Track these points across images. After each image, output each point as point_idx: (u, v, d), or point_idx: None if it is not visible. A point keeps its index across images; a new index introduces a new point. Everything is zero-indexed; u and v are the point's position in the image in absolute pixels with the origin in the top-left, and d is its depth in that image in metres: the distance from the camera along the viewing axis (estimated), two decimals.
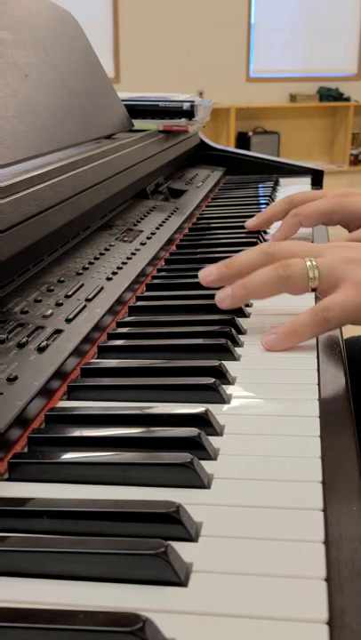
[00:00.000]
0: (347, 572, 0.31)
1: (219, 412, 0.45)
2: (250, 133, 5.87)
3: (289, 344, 0.54)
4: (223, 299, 0.59)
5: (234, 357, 0.53)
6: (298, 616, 0.28)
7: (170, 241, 0.86)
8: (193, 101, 1.21)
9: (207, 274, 0.61)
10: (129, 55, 5.56)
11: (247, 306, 0.65)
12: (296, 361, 0.53)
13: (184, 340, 0.56)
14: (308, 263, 0.56)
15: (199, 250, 0.86)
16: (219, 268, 0.61)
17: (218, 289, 0.60)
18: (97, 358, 0.55)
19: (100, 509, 0.34)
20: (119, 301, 0.63)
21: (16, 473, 0.39)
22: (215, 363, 0.50)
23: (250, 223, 0.89)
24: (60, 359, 0.48)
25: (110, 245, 0.77)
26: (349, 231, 0.79)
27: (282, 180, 1.34)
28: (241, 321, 0.60)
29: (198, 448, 0.39)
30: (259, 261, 0.58)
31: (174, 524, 0.33)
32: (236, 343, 0.56)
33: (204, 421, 0.42)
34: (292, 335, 0.54)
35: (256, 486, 0.37)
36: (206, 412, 0.43)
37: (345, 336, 0.64)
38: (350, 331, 0.85)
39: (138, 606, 0.29)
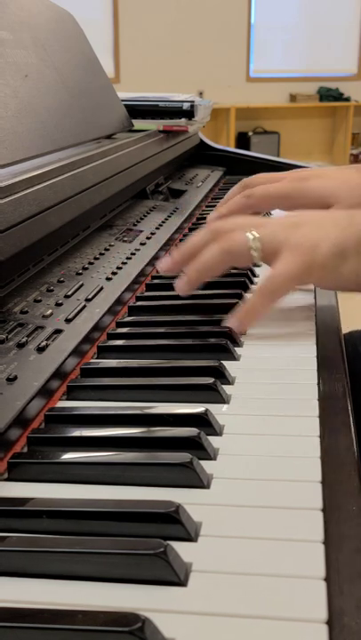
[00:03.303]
0: (346, 572, 0.31)
1: (219, 412, 0.45)
2: (250, 133, 5.86)
3: (250, 324, 0.58)
4: (182, 286, 0.61)
5: (234, 357, 0.53)
6: (297, 616, 0.28)
7: (170, 241, 0.86)
8: (193, 101, 1.21)
9: (163, 263, 0.64)
10: (129, 55, 5.56)
11: None
12: (296, 361, 0.53)
13: (184, 340, 0.56)
14: (250, 235, 0.58)
15: None
16: (172, 255, 0.63)
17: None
18: (97, 358, 0.55)
19: (100, 509, 0.34)
20: (119, 301, 0.63)
21: (16, 473, 0.39)
22: (215, 363, 0.50)
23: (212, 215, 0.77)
24: (59, 359, 0.48)
25: (110, 245, 0.77)
26: None
27: None
28: None
29: (198, 448, 0.39)
30: (205, 241, 0.60)
31: (174, 523, 0.33)
32: (236, 343, 0.56)
33: (203, 421, 0.42)
34: (249, 316, 0.58)
35: (256, 486, 0.37)
36: (206, 412, 0.43)
37: (344, 331, 0.64)
38: (350, 325, 0.85)
39: (137, 606, 0.29)
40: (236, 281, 0.69)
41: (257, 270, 0.74)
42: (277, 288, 0.57)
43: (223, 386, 0.48)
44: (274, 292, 0.57)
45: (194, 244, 0.62)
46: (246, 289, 0.68)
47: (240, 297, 0.64)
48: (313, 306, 0.64)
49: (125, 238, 0.81)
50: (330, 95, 6.01)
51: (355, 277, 0.56)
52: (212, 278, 0.62)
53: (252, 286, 0.70)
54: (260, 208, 0.73)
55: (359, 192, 0.72)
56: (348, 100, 6.02)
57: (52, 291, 0.61)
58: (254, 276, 0.74)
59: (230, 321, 0.58)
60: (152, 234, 0.84)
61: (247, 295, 0.66)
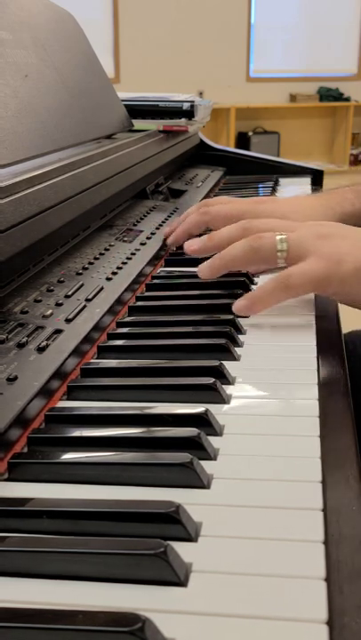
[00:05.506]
0: (346, 572, 0.31)
1: (219, 412, 0.45)
2: (250, 133, 5.86)
3: (257, 310, 0.59)
4: (203, 269, 0.64)
5: (234, 357, 0.53)
6: (298, 616, 0.28)
7: None
8: (193, 101, 1.21)
9: (191, 243, 0.68)
10: (129, 55, 5.56)
11: None
12: (296, 361, 0.53)
13: (184, 339, 0.56)
14: (279, 237, 0.60)
15: None
16: (202, 239, 0.68)
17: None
18: (97, 358, 0.54)
19: (100, 509, 0.34)
20: (119, 301, 0.63)
21: (16, 473, 0.39)
22: (215, 363, 0.50)
23: (169, 240, 0.82)
24: (59, 359, 0.48)
25: (110, 245, 0.77)
26: None
27: (282, 180, 1.34)
28: (241, 321, 0.60)
29: (198, 448, 0.39)
30: (236, 235, 0.64)
31: (174, 523, 0.33)
32: (236, 343, 0.56)
33: (203, 421, 0.42)
34: (259, 302, 0.59)
35: (256, 486, 0.37)
36: (206, 412, 0.43)
37: (344, 331, 0.64)
38: (350, 325, 0.85)
39: (137, 606, 0.29)
40: (236, 281, 0.69)
41: None
42: (295, 284, 0.57)
43: (223, 386, 0.48)
44: (290, 286, 0.57)
45: (224, 236, 0.65)
46: (247, 289, 0.68)
47: (240, 297, 0.64)
48: (313, 306, 0.64)
49: (125, 238, 0.81)
50: (330, 95, 6.02)
51: None
52: (237, 269, 0.66)
53: (253, 287, 0.70)
54: (214, 225, 0.75)
55: (309, 212, 0.77)
56: (348, 100, 6.03)
57: (52, 291, 0.61)
58: (254, 275, 0.74)
59: (239, 304, 0.59)
60: (152, 234, 0.84)
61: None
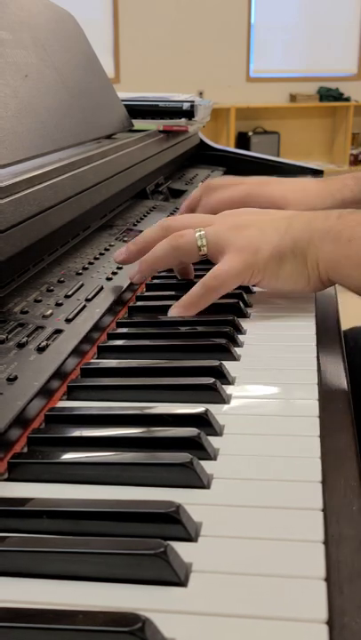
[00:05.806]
0: (346, 572, 0.31)
1: (219, 412, 0.45)
2: (250, 133, 5.86)
3: (191, 313, 0.61)
4: (133, 274, 0.66)
5: (234, 357, 0.53)
6: (298, 616, 0.28)
7: None
8: (193, 101, 1.21)
9: (118, 254, 0.68)
10: (129, 55, 5.55)
11: (247, 306, 0.65)
12: (296, 361, 0.53)
13: (184, 340, 0.56)
14: (197, 233, 0.62)
15: None
16: (127, 246, 0.68)
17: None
18: (97, 358, 0.54)
19: (100, 509, 0.34)
20: (119, 301, 0.63)
21: (16, 473, 0.39)
22: (215, 363, 0.50)
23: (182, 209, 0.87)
24: (59, 359, 0.48)
25: (110, 245, 0.77)
26: None
27: None
28: (241, 321, 0.60)
29: (198, 448, 0.39)
30: (157, 237, 0.65)
31: (174, 523, 0.33)
32: (236, 343, 0.56)
33: (203, 421, 0.42)
34: (191, 306, 0.61)
35: (256, 486, 0.37)
36: (206, 412, 0.43)
37: (344, 327, 0.65)
38: (350, 322, 0.85)
39: (137, 606, 0.29)
40: None
41: None
42: (220, 284, 0.60)
43: (223, 386, 0.48)
44: (216, 287, 0.60)
45: (147, 238, 0.66)
46: (246, 288, 0.68)
47: (240, 297, 0.64)
48: (313, 306, 0.64)
49: (125, 238, 0.81)
50: (330, 95, 6.01)
51: (292, 278, 0.61)
52: (162, 269, 0.68)
53: (253, 287, 0.70)
54: (218, 212, 0.77)
55: (312, 198, 0.81)
56: (348, 100, 6.02)
57: (52, 291, 0.61)
58: None
59: (173, 311, 0.61)
60: None
61: (246, 296, 0.67)
